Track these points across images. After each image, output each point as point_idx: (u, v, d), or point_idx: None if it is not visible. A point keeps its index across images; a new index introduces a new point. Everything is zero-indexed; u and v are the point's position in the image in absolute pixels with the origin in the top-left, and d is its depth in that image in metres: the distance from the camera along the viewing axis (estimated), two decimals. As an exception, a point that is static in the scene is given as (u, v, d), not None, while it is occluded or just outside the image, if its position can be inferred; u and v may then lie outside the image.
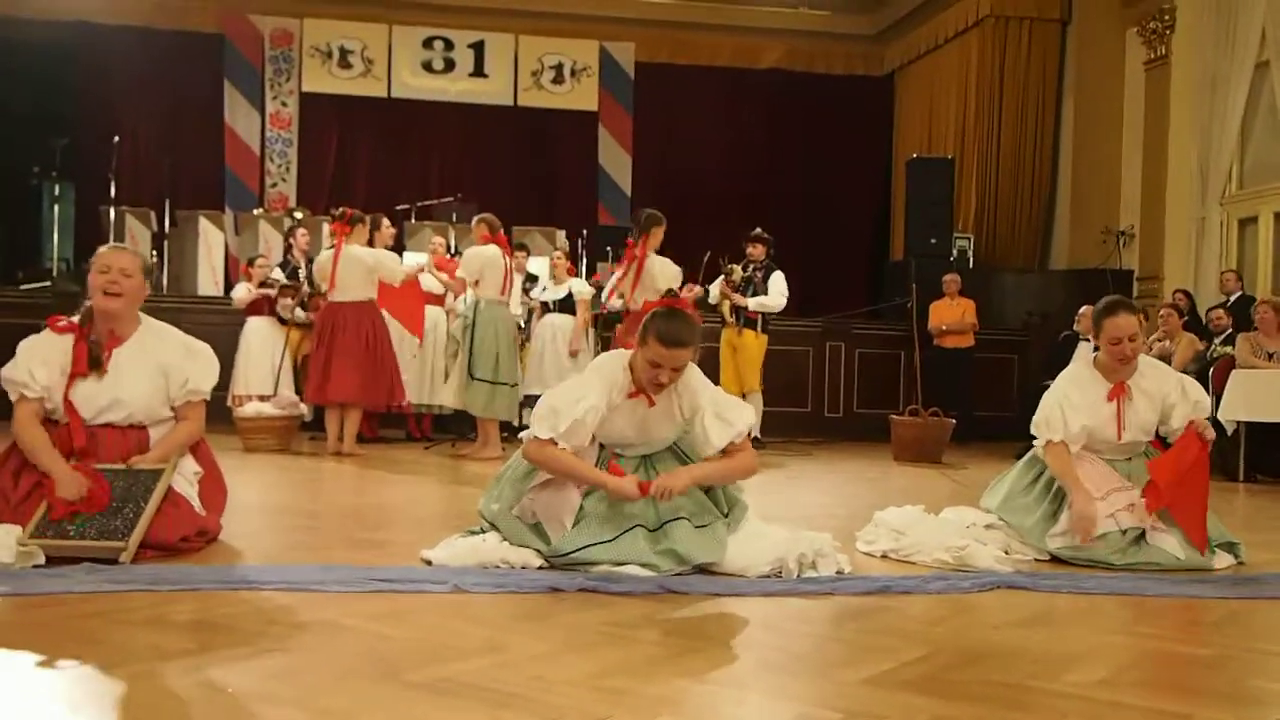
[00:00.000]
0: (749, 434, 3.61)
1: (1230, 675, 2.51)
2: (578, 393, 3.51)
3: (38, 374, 3.58)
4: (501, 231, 7.91)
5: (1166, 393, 4.13)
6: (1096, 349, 4.29)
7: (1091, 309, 9.50)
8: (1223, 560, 3.99)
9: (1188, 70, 11.10)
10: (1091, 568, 3.85)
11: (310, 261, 9.49)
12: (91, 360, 3.61)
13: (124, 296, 3.63)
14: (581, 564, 3.39)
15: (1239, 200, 10.85)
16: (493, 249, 7.73)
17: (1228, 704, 2.26)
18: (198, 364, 3.79)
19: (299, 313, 9.01)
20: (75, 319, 3.67)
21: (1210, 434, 4.07)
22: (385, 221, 9.06)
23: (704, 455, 3.60)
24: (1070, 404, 4.10)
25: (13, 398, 3.61)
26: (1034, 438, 4.20)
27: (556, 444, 3.43)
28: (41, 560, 3.24)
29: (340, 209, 8.09)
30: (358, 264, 7.66)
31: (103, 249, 3.73)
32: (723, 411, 3.59)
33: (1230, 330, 8.80)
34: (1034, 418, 4.19)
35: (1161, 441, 4.24)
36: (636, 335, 3.52)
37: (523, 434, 3.61)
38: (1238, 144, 10.74)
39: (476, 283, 7.66)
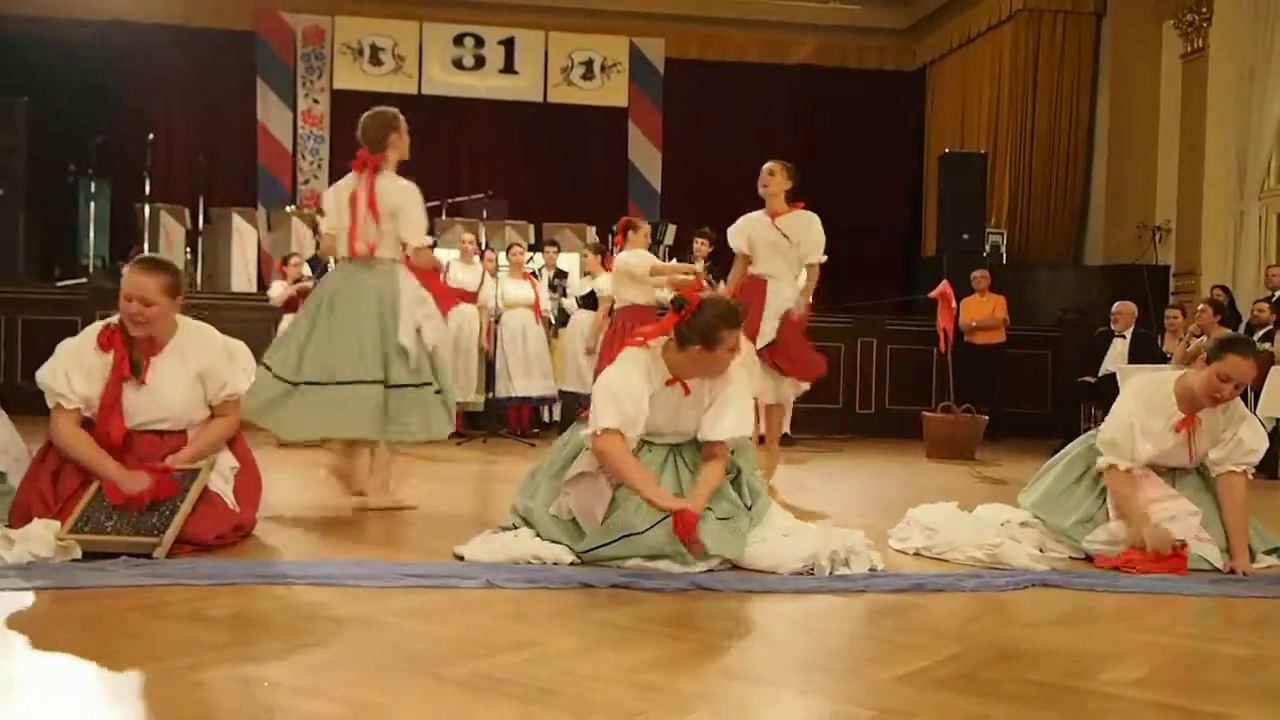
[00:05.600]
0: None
1: (1267, 675, 2.49)
2: (628, 383, 3.51)
3: (76, 384, 3.58)
4: None
5: (1225, 428, 3.95)
6: (1124, 332, 4.15)
7: (1126, 305, 9.48)
8: (1262, 563, 3.93)
9: (1225, 63, 10.96)
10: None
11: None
12: (133, 366, 3.62)
13: (149, 324, 3.63)
14: (613, 559, 3.40)
15: (1278, 194, 10.71)
16: None
17: (1264, 704, 2.23)
18: (235, 366, 3.80)
19: None
20: (117, 325, 3.68)
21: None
22: None
23: (698, 437, 3.64)
24: (1143, 429, 3.94)
25: (49, 404, 3.62)
26: (1067, 422, 4.13)
27: (623, 435, 3.43)
28: (79, 555, 3.28)
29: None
30: (621, 269, 7.19)
31: (131, 268, 3.68)
32: (741, 414, 3.65)
33: (1272, 326, 8.69)
34: (1104, 433, 4.02)
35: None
36: (694, 343, 3.48)
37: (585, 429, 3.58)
38: (1276, 137, 10.60)
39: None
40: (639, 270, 6.81)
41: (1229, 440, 3.93)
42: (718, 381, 3.63)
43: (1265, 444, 4.01)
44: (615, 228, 7.85)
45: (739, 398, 3.66)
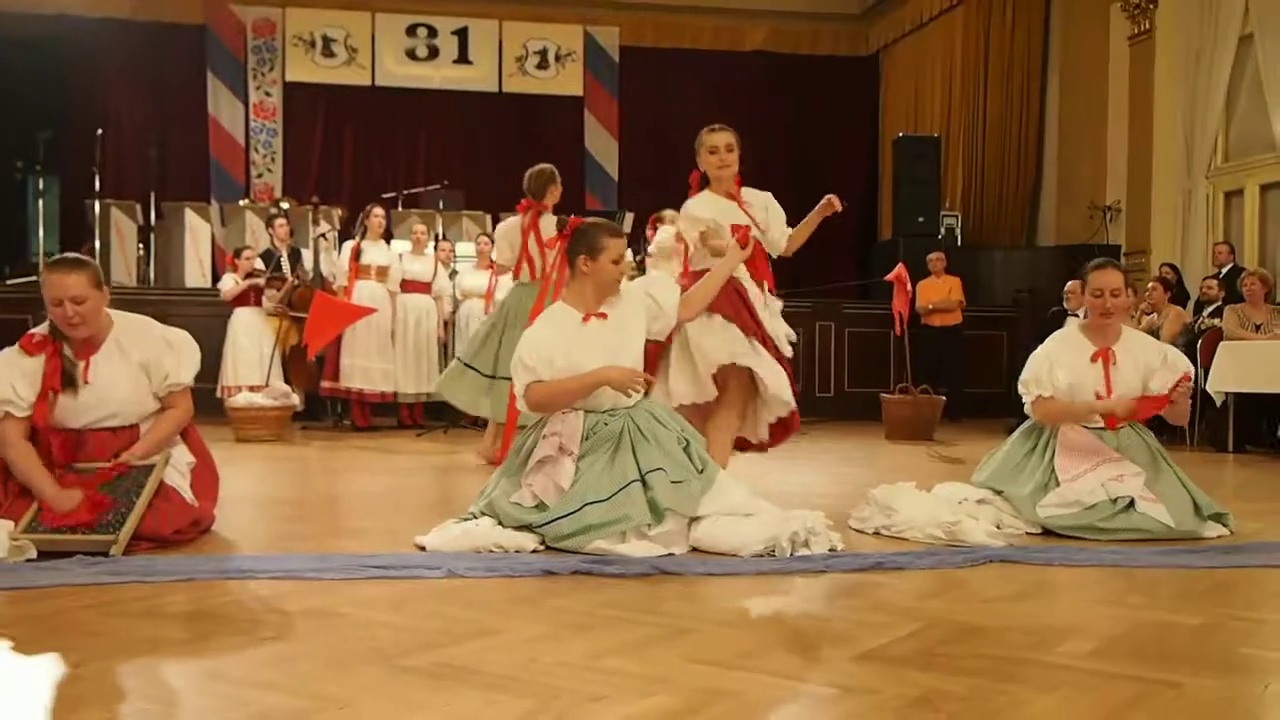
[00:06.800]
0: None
1: (1220, 644, 2.53)
2: (528, 344, 3.77)
3: (22, 390, 3.52)
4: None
5: (1149, 359, 4.20)
6: (1080, 313, 4.36)
7: (1079, 284, 9.58)
8: (1213, 529, 4.02)
9: (1172, 44, 11.11)
10: (1081, 539, 3.88)
11: (295, 253, 9.49)
12: (65, 379, 3.56)
13: (86, 322, 3.56)
14: (577, 532, 3.42)
15: (1225, 173, 10.87)
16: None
17: (1218, 672, 2.27)
18: (176, 355, 3.74)
19: (273, 303, 9.02)
20: (45, 331, 3.62)
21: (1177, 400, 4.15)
22: (377, 210, 9.09)
23: (664, 324, 3.99)
24: (1057, 361, 4.22)
25: None
26: (1022, 402, 4.26)
27: (540, 380, 3.69)
28: (34, 555, 3.24)
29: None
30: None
31: (49, 271, 3.58)
32: (652, 288, 4.01)
33: (1220, 302, 8.84)
34: (1021, 376, 4.29)
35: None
36: (579, 257, 3.80)
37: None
38: (1223, 117, 10.76)
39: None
40: (666, 244, 6.98)
41: (1164, 367, 4.17)
42: (626, 301, 3.87)
43: (1190, 365, 4.29)
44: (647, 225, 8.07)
45: (649, 282, 4.09)
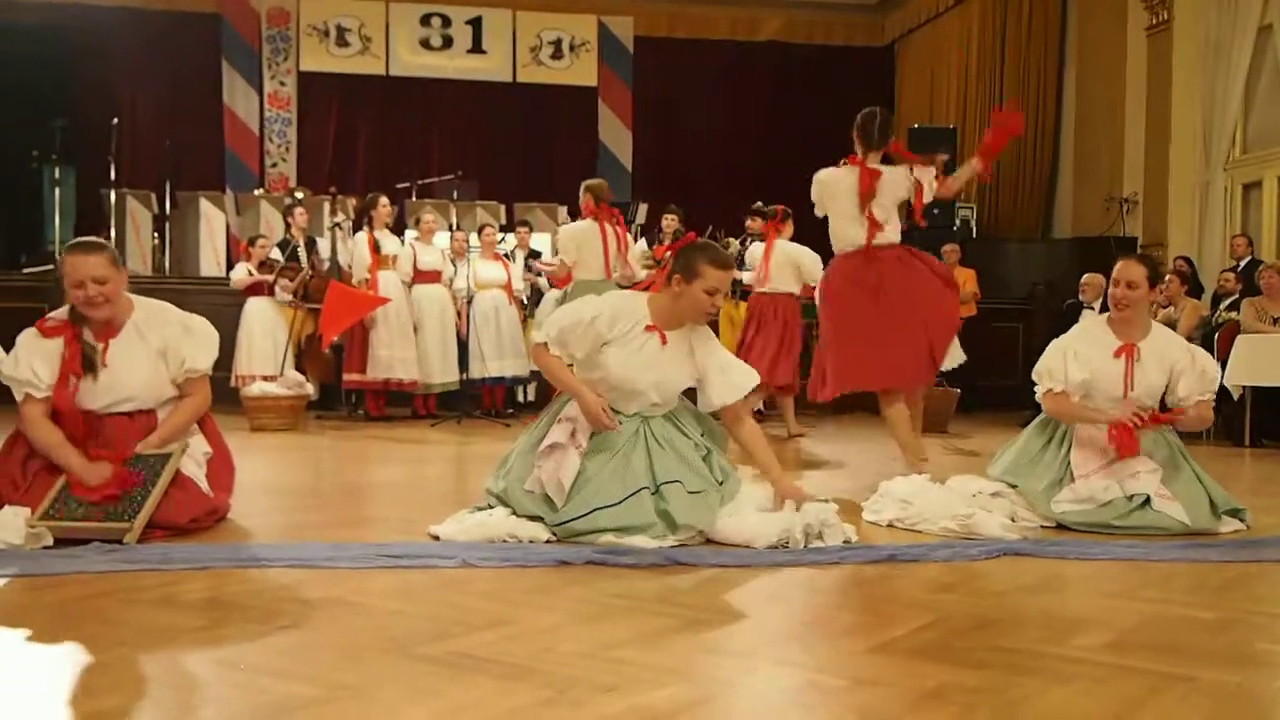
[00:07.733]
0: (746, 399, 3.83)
1: (1235, 638, 2.52)
2: (578, 307, 3.72)
3: (41, 372, 3.55)
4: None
5: (1176, 359, 4.14)
6: (1096, 306, 4.34)
7: (1095, 277, 9.56)
8: (1229, 525, 4.00)
9: (1190, 35, 11.03)
10: (1096, 534, 3.86)
11: (311, 242, 9.51)
12: (85, 363, 3.58)
13: (110, 302, 3.58)
14: (588, 532, 3.41)
15: (1242, 165, 10.81)
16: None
17: (1233, 666, 2.27)
18: (194, 341, 3.76)
19: (287, 294, 9.04)
20: (64, 315, 3.64)
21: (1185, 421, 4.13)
22: (383, 200, 9.08)
23: (704, 410, 3.82)
24: (1074, 354, 4.15)
25: (18, 397, 3.58)
26: (1034, 385, 4.23)
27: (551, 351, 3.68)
28: (50, 542, 3.26)
29: (771, 206, 8.09)
30: (787, 258, 7.85)
31: (68, 253, 3.60)
32: (745, 368, 3.81)
33: (1238, 295, 8.78)
34: (1036, 366, 4.25)
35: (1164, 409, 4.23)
36: (674, 274, 3.64)
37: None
38: (1241, 108, 10.69)
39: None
40: (813, 272, 7.51)
41: (1191, 370, 4.11)
42: (701, 343, 3.73)
43: (1217, 369, 4.26)
44: (770, 211, 8.04)
45: (726, 363, 3.79)
